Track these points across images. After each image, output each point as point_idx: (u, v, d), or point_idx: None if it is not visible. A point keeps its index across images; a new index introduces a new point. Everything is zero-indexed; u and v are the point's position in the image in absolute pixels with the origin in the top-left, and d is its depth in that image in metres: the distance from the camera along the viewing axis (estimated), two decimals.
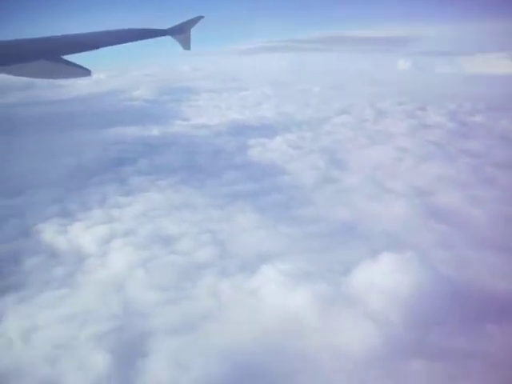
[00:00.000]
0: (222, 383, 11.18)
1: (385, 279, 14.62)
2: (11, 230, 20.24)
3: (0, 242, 19.32)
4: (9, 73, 12.14)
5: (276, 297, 14.71)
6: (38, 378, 11.22)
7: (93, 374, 11.34)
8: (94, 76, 68.30)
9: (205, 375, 11.26)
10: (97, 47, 12.86)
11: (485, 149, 29.64)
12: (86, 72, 13.13)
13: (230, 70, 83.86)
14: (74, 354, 12.05)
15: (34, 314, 13.94)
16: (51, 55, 11.97)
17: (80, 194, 24.09)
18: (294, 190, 24.34)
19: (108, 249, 18.08)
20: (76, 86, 63.71)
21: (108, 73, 77.15)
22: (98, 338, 12.67)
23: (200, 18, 15.26)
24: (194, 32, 16.31)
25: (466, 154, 28.84)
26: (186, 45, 16.70)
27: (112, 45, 14.04)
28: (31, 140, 33.42)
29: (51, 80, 45.83)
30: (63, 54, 12.43)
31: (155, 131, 35.85)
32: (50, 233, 19.65)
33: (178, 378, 11.20)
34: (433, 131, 34.16)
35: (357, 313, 13.61)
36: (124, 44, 14.11)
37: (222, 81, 70.00)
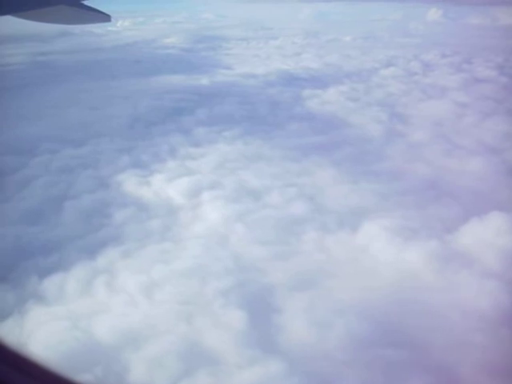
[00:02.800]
0: (368, 340, 10.93)
1: (499, 238, 14.34)
2: (88, 180, 19.98)
3: (81, 192, 18.97)
4: (28, 18, 11.70)
5: (387, 253, 14.54)
6: (177, 336, 10.99)
7: (232, 332, 11.11)
8: (119, 23, 67.04)
9: (349, 333, 11.04)
10: None
11: None
12: (106, 17, 12.66)
13: (255, 18, 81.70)
14: (205, 310, 11.85)
15: (145, 268, 13.72)
16: (71, 0, 11.54)
17: (146, 145, 23.69)
18: (364, 143, 23.92)
19: (198, 202, 17.81)
20: (105, 34, 62.25)
21: (132, 20, 75.20)
22: (223, 294, 12.42)
23: None
24: None
25: None
26: None
27: None
28: (78, 88, 32.76)
29: (79, 27, 44.95)
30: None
31: (204, 80, 35.00)
32: (131, 184, 19.36)
33: (323, 336, 11.00)
34: (486, 86, 33.42)
35: (476, 270, 13.41)
36: None
37: (250, 29, 68.38)
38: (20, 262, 14.82)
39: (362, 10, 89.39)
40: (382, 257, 14.32)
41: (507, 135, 24.27)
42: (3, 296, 13.08)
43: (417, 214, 16.65)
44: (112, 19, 15.54)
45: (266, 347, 10.69)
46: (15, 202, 18.53)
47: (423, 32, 63.95)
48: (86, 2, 12.33)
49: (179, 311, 11.81)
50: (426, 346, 11.12)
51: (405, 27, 68.97)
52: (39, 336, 11.15)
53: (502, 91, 31.51)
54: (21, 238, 16.03)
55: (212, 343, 10.78)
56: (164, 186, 18.96)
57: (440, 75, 36.52)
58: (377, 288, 13.00)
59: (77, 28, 46.87)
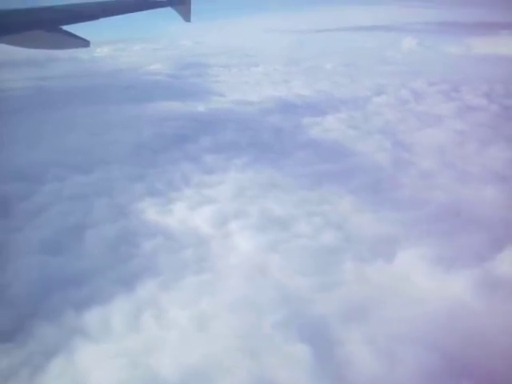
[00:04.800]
0: (439, 372, 10.77)
1: None
2: (105, 209, 19.52)
3: (100, 221, 18.49)
4: (9, 43, 11.67)
5: (429, 282, 14.47)
6: (247, 373, 10.65)
7: (302, 366, 10.83)
8: (98, 50, 66.58)
9: (418, 365, 10.86)
10: (96, 18, 12.43)
11: None
12: (84, 43, 12.68)
13: (232, 45, 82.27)
14: (267, 344, 11.55)
15: (192, 301, 13.36)
16: (50, 25, 11.54)
17: (157, 173, 23.33)
18: (375, 172, 23.99)
19: (227, 231, 17.55)
20: (91, 60, 61.77)
21: (110, 46, 74.79)
22: (281, 327, 12.16)
23: None
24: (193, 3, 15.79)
25: None
26: (187, 16, 16.28)
27: (112, 15, 13.59)
28: (75, 113, 32.26)
29: (65, 53, 44.48)
30: (62, 25, 11.92)
31: (200, 107, 34.87)
32: (152, 213, 19.00)
33: (393, 368, 10.80)
34: (480, 114, 34.08)
35: None
36: (122, 15, 13.55)
37: (231, 56, 68.74)
38: (50, 294, 14.28)
39: (338, 39, 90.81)
40: (425, 286, 14.26)
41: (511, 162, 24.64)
42: (43, 331, 12.51)
43: (447, 243, 16.65)
44: (91, 45, 15.41)
45: (341, 381, 10.41)
46: (29, 230, 17.96)
47: (402, 60, 65.20)
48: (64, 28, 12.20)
49: (241, 346, 11.44)
50: (494, 376, 10.99)
51: (382, 55, 70.25)
52: (99, 375, 10.65)
53: (496, 119, 32.15)
54: (45, 269, 15.49)
55: (286, 379, 10.45)
56: (187, 214, 18.60)
57: (432, 103, 37.16)
58: (429, 318, 12.88)
59: (62, 53, 46.17)
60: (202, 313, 12.79)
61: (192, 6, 19.34)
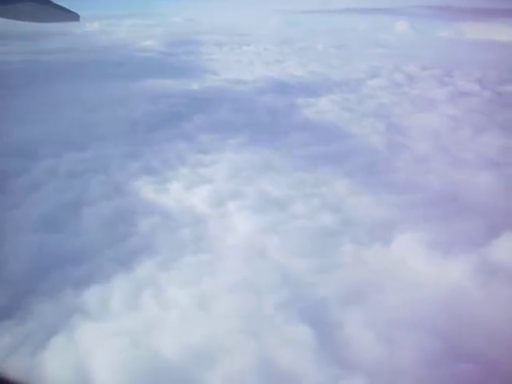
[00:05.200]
0: (439, 355, 10.88)
1: None
2: (102, 186, 19.41)
3: (97, 198, 18.38)
4: None
5: (427, 267, 14.53)
6: (249, 354, 10.68)
7: (304, 348, 10.88)
8: (88, 24, 65.62)
9: (418, 348, 10.96)
10: None
11: None
12: (74, 16, 12.53)
13: (223, 23, 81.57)
14: (269, 326, 11.58)
15: (192, 281, 13.33)
16: None
17: (152, 151, 23.22)
18: (371, 154, 24.06)
19: (225, 211, 17.53)
20: (75, 36, 60.77)
21: (101, 22, 73.72)
22: (282, 308, 12.19)
23: None
24: None
25: None
26: None
27: None
28: (69, 89, 31.80)
29: (55, 27, 43.71)
30: None
31: (194, 85, 34.59)
32: (149, 191, 18.94)
33: (393, 351, 10.90)
34: (473, 100, 34.18)
35: None
36: None
37: (223, 34, 68.09)
38: (49, 271, 14.22)
39: (330, 19, 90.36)
40: (422, 271, 14.35)
41: (505, 149, 24.74)
42: (43, 309, 12.43)
43: (444, 228, 16.70)
44: (81, 20, 15.16)
45: (343, 364, 10.49)
46: (26, 207, 17.80)
47: (394, 43, 65.01)
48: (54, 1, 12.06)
49: (242, 327, 11.45)
50: (492, 360, 11.11)
51: (374, 38, 70.02)
52: (100, 355, 10.61)
53: (489, 105, 32.22)
54: (44, 246, 15.36)
55: (288, 361, 10.52)
56: (184, 193, 18.56)
57: (426, 88, 37.18)
58: (427, 303, 12.96)
59: (53, 28, 45.42)
60: (203, 293, 12.76)
61: None
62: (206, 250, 14.96)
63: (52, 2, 11.48)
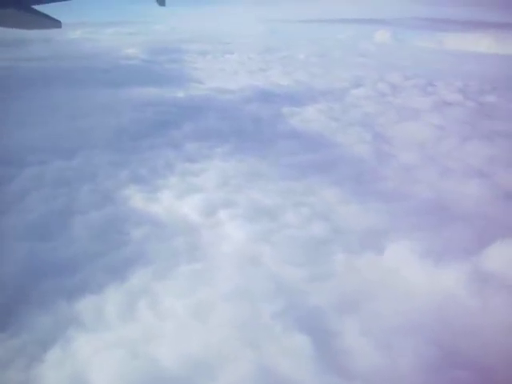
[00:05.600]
0: (436, 363, 10.98)
1: None
2: (91, 195, 19.31)
3: (87, 207, 18.24)
4: None
5: (420, 276, 14.64)
6: (249, 363, 10.69)
7: (302, 357, 10.91)
8: (70, 32, 65.19)
9: (415, 356, 11.04)
10: None
11: None
12: (56, 23, 12.56)
13: (206, 32, 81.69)
14: (267, 335, 11.60)
15: (187, 291, 13.28)
16: (21, 4, 11.47)
17: (140, 159, 23.17)
18: (358, 163, 24.26)
19: (217, 220, 17.54)
20: (57, 43, 60.30)
21: (83, 29, 73.24)
22: (278, 317, 12.19)
23: None
24: None
25: (500, 136, 29.30)
26: (161, 0, 16.30)
27: None
28: (55, 96, 31.55)
29: (31, 34, 43.32)
30: (33, 4, 11.86)
31: (180, 94, 34.59)
32: (139, 200, 18.90)
33: (391, 360, 10.97)
34: (457, 109, 34.68)
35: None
36: None
37: (205, 43, 68.16)
38: (41, 281, 14.06)
39: (311, 29, 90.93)
40: (415, 279, 14.45)
41: (490, 159, 25.12)
42: (37, 320, 12.28)
43: (434, 237, 16.87)
44: (63, 27, 15.07)
45: (342, 373, 10.54)
46: (14, 214, 17.63)
47: (375, 53, 65.68)
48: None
49: (240, 336, 11.43)
50: (488, 367, 11.23)
51: (355, 47, 70.69)
52: (98, 366, 10.51)
53: (472, 115, 32.72)
54: (34, 255, 15.20)
55: (287, 369, 10.54)
56: (175, 202, 18.55)
57: (410, 97, 37.67)
58: (421, 311, 13.08)
59: (35, 35, 45.02)
60: (198, 302, 12.73)
61: None
62: (200, 259, 14.93)
63: (34, 9, 11.42)
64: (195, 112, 30.05)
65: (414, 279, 14.53)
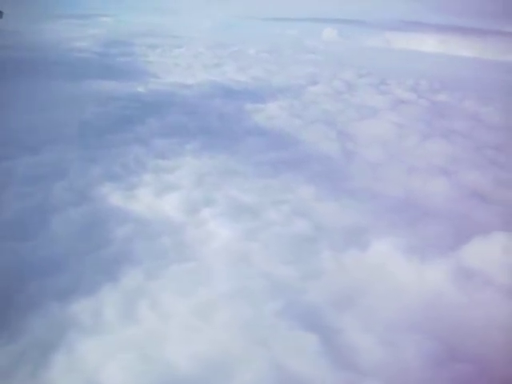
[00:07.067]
0: (439, 357, 11.34)
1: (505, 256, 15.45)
2: (65, 192, 18.71)
3: (63, 205, 17.76)
4: None
5: (406, 272, 15.03)
6: (263, 362, 10.73)
7: (312, 354, 11.05)
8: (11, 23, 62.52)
9: (421, 353, 11.38)
10: None
11: (470, 130, 31.44)
12: None
13: (155, 24, 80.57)
14: (274, 333, 11.65)
15: (184, 289, 13.18)
16: None
17: (109, 155, 22.67)
18: (327, 161, 24.72)
19: (200, 218, 17.41)
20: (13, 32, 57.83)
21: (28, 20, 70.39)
22: (281, 315, 12.29)
23: None
24: None
25: (457, 134, 30.41)
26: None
27: None
28: (2, 90, 30.32)
29: None
30: None
31: (139, 88, 34.02)
32: (117, 198, 18.57)
33: (396, 355, 11.27)
34: (412, 108, 35.72)
35: (496, 285, 14.27)
36: None
37: (154, 36, 67.17)
38: (27, 283, 13.59)
39: (257, 25, 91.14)
40: (403, 275, 14.81)
41: (452, 158, 26.01)
42: (30, 324, 11.90)
43: (413, 233, 17.34)
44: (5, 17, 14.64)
45: (355, 368, 10.71)
46: None
47: (324, 50, 66.55)
48: None
49: (247, 335, 11.46)
50: (485, 359, 11.69)
51: (303, 44, 71.39)
52: (110, 372, 10.28)
53: (427, 113, 33.75)
54: (16, 255, 14.65)
55: (299, 368, 10.63)
56: (154, 200, 18.27)
57: (366, 95, 38.41)
58: (413, 305, 13.46)
59: None
60: (199, 302, 12.66)
61: None
62: (190, 259, 14.82)
63: None
64: (157, 107, 29.68)
65: (401, 275, 14.92)
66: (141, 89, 33.79)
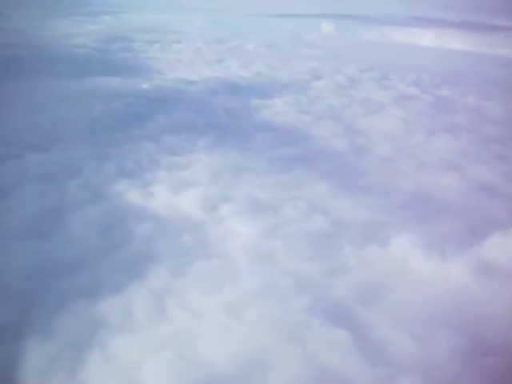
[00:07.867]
0: (470, 351, 11.38)
1: None
2: (81, 190, 18.66)
3: (80, 203, 17.70)
4: None
5: (430, 267, 15.06)
6: (300, 360, 10.75)
7: (347, 350, 11.07)
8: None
9: (449, 347, 11.42)
10: None
11: (474, 124, 31.50)
12: None
13: (152, 20, 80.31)
14: (306, 330, 11.66)
15: (211, 287, 13.17)
16: None
17: (121, 152, 22.61)
18: (338, 157, 24.66)
19: (220, 216, 17.39)
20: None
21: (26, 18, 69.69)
22: (311, 312, 12.30)
23: None
24: None
25: (462, 129, 30.46)
26: None
27: None
28: (4, 88, 30.09)
29: None
30: None
31: (144, 85, 33.89)
32: (134, 195, 18.52)
33: (429, 349, 11.31)
34: (417, 103, 35.74)
35: None
36: None
37: (152, 32, 66.80)
38: (51, 282, 13.58)
39: (252, 21, 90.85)
40: (426, 270, 14.83)
41: (459, 152, 26.05)
42: (61, 323, 11.87)
43: (431, 228, 17.35)
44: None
45: (389, 364, 10.74)
46: (3, 212, 16.76)
47: (323, 44, 66.46)
48: None
49: (280, 332, 11.47)
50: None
51: (301, 38, 71.28)
52: (149, 371, 10.29)
53: (432, 108, 33.79)
54: (37, 255, 14.59)
55: (335, 364, 10.65)
56: (171, 197, 18.23)
57: (370, 90, 38.39)
58: (439, 300, 13.49)
59: None
60: (228, 300, 12.69)
61: None
62: (214, 256, 14.81)
63: None
64: (164, 104, 29.61)
65: (423, 271, 14.90)
66: (146, 85, 33.66)
